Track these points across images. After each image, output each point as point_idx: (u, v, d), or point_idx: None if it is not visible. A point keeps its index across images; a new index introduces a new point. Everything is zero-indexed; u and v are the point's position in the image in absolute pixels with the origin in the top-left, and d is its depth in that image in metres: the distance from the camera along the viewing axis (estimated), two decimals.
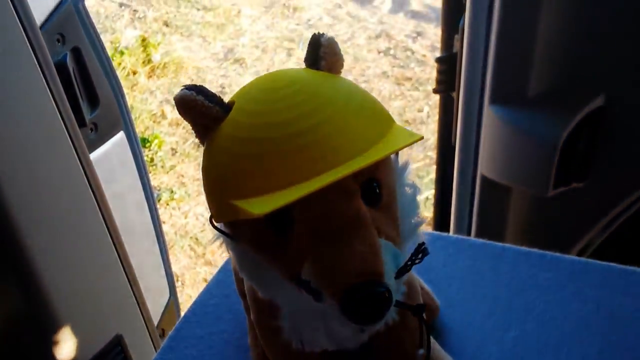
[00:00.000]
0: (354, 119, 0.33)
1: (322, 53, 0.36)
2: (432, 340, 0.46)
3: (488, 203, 0.89)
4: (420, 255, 0.34)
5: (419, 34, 2.91)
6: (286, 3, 3.20)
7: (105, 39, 2.73)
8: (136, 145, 1.06)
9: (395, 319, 0.37)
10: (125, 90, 2.25)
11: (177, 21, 3.05)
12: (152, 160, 2.25)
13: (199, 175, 2.21)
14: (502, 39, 0.77)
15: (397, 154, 0.37)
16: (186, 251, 1.94)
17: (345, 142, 0.32)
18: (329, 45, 0.36)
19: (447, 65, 0.92)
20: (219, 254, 1.91)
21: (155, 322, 1.10)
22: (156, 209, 1.15)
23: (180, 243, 1.96)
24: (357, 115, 0.34)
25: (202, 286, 1.92)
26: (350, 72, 2.68)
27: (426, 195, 1.97)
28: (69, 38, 0.86)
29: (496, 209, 0.90)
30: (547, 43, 0.76)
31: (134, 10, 3.09)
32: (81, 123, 0.87)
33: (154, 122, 2.43)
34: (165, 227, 1.95)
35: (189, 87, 0.35)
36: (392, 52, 2.81)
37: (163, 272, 1.19)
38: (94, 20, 0.94)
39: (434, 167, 2.15)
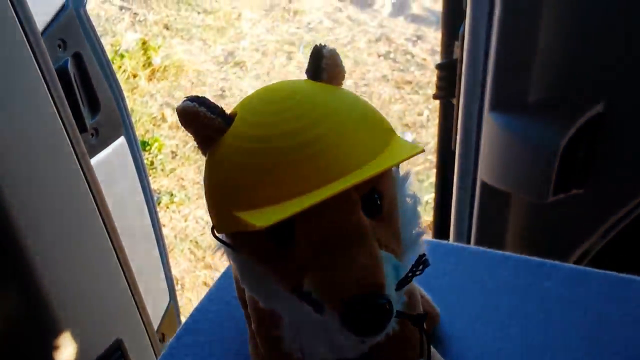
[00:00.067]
0: (356, 131, 0.33)
1: (323, 64, 0.36)
2: (433, 349, 0.46)
3: (488, 209, 0.90)
4: (421, 267, 0.34)
5: (419, 37, 2.91)
6: (286, 6, 3.21)
7: (106, 42, 2.74)
8: (137, 150, 1.06)
9: (396, 329, 0.37)
10: (126, 94, 2.25)
11: (178, 24, 3.05)
12: (152, 163, 2.25)
13: (199, 178, 2.22)
14: (502, 46, 0.78)
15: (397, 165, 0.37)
16: (186, 254, 1.94)
17: (346, 154, 0.32)
18: (330, 56, 0.37)
19: (447, 71, 0.92)
20: (219, 258, 1.91)
21: (155, 327, 1.10)
22: (156, 213, 1.15)
23: (180, 246, 1.96)
24: (358, 127, 0.34)
25: (202, 290, 1.92)
26: (350, 76, 2.68)
27: (426, 199, 1.97)
28: (70, 43, 0.86)
29: (496, 215, 0.90)
30: (547, 50, 0.76)
31: (135, 13, 3.09)
32: (82, 128, 0.87)
33: (154, 125, 2.44)
34: (165, 231, 1.95)
35: (191, 99, 0.35)
36: (392, 55, 2.82)
37: (163, 276, 1.19)
38: (95, 23, 0.94)
39: (434, 170, 2.15)
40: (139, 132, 2.37)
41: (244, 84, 2.67)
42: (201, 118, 0.35)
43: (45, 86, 0.74)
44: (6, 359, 0.82)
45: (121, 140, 0.99)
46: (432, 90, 2.57)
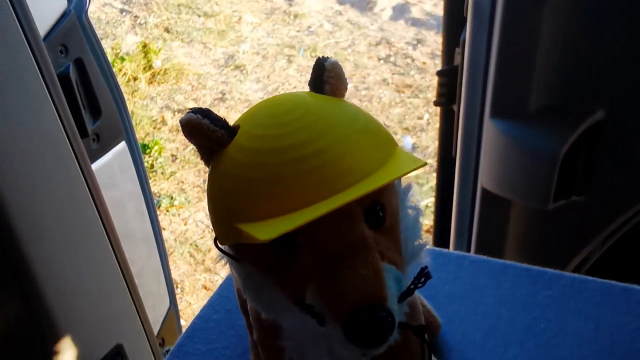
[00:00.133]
0: (358, 144, 0.34)
1: (326, 77, 0.37)
2: (434, 359, 0.46)
3: (488, 215, 0.90)
4: (422, 279, 0.34)
5: (419, 41, 2.92)
6: (287, 10, 3.21)
7: (106, 45, 2.74)
8: (137, 154, 1.06)
9: (398, 340, 0.37)
10: (126, 96, 2.26)
11: (178, 27, 3.06)
12: (152, 166, 2.25)
13: (199, 181, 2.22)
14: (503, 53, 0.78)
15: None
16: (186, 258, 1.94)
17: (349, 167, 0.32)
18: (333, 69, 0.37)
19: (448, 78, 0.92)
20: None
21: (155, 331, 1.10)
22: (157, 217, 1.15)
23: (179, 250, 1.96)
24: (361, 139, 0.34)
25: (201, 293, 1.92)
26: (350, 79, 2.68)
27: (426, 203, 1.98)
28: (72, 49, 0.86)
29: (496, 221, 0.90)
30: (548, 57, 0.76)
31: (135, 16, 3.10)
32: (83, 133, 0.87)
33: (154, 128, 2.44)
34: (164, 234, 1.95)
35: (195, 111, 0.35)
36: (392, 59, 2.82)
37: (163, 280, 1.19)
38: (95, 26, 0.94)
39: (434, 174, 2.15)
40: (139, 135, 2.37)
41: (244, 87, 2.67)
42: (204, 130, 0.35)
43: (47, 92, 0.75)
44: None
45: (122, 145, 1.00)
46: (432, 93, 2.58)
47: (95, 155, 0.92)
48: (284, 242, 0.33)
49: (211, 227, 0.38)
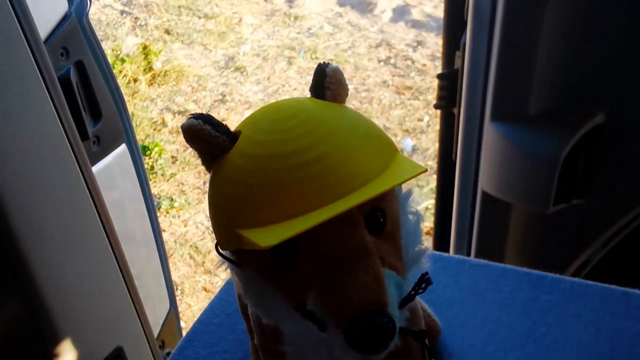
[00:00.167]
0: (359, 150, 0.34)
1: (327, 83, 0.37)
2: None
3: (488, 218, 0.90)
4: (423, 285, 0.35)
5: (419, 43, 2.92)
6: (287, 12, 3.21)
7: (107, 46, 2.74)
8: (138, 157, 1.06)
9: (398, 345, 0.37)
10: (126, 98, 2.26)
11: (179, 29, 3.06)
12: (152, 168, 2.25)
13: (199, 183, 2.22)
14: (503, 57, 0.78)
15: None
16: (186, 260, 1.94)
17: (350, 173, 0.32)
18: (334, 75, 0.37)
19: (449, 81, 0.92)
20: (217, 257, 1.91)
21: (156, 334, 1.10)
22: (157, 220, 1.15)
23: (179, 251, 1.96)
24: (362, 145, 0.34)
25: (201, 295, 1.92)
26: (350, 81, 2.68)
27: (426, 205, 1.98)
28: (72, 52, 0.86)
29: (496, 224, 0.90)
30: (548, 61, 0.76)
31: (136, 18, 3.10)
32: (84, 136, 0.87)
33: (154, 130, 2.44)
34: (164, 236, 1.95)
35: (196, 116, 0.35)
36: (392, 61, 2.82)
37: (163, 282, 1.19)
38: (96, 28, 0.94)
39: (434, 176, 2.15)
40: (139, 136, 2.37)
41: (245, 88, 2.68)
42: (206, 136, 0.35)
43: (47, 94, 0.75)
44: None
45: (122, 147, 1.00)
46: (432, 95, 2.58)
47: (95, 158, 0.93)
48: (285, 248, 0.33)
49: (211, 229, 0.38)
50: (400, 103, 2.56)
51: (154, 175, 2.23)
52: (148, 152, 2.27)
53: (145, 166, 1.83)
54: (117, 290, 0.91)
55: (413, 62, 2.81)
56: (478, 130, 0.85)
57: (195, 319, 0.55)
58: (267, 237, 0.31)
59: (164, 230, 1.99)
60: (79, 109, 0.86)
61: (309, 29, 3.08)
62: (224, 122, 0.36)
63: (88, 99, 0.90)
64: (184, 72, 2.74)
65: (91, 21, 0.93)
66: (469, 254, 0.96)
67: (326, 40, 2.97)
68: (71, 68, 0.85)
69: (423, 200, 1.99)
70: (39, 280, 0.74)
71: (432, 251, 0.60)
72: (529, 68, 0.77)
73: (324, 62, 0.37)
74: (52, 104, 0.75)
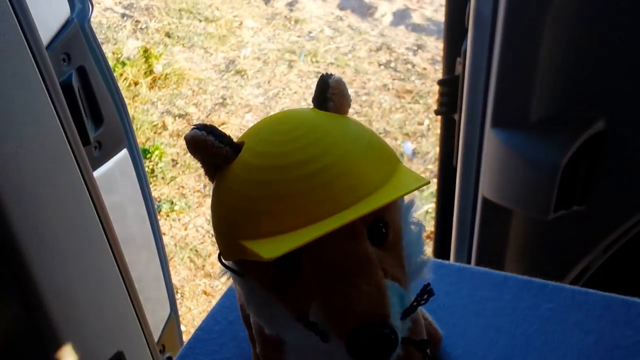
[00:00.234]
0: (362, 161, 0.34)
1: (329, 94, 0.37)
2: None
3: (489, 224, 0.90)
4: (425, 296, 0.35)
5: (419, 47, 2.93)
6: (288, 15, 3.22)
7: (107, 50, 2.75)
8: (139, 161, 1.06)
9: (400, 354, 0.37)
10: (127, 101, 2.26)
11: (179, 32, 3.06)
12: (152, 171, 2.25)
13: (200, 186, 2.22)
14: (504, 63, 0.78)
15: None
16: (186, 263, 1.94)
17: (353, 185, 0.33)
18: (336, 86, 0.37)
19: (449, 87, 0.93)
20: (219, 267, 1.91)
21: (156, 338, 1.10)
22: (157, 224, 1.15)
23: (180, 255, 1.96)
24: (364, 157, 0.34)
25: (201, 298, 1.91)
26: (351, 85, 2.69)
27: (426, 209, 1.98)
28: (74, 57, 0.86)
29: (497, 230, 0.90)
30: (549, 68, 0.76)
31: (136, 21, 3.11)
32: (85, 141, 0.87)
33: (154, 133, 2.44)
34: (165, 239, 1.95)
35: (200, 127, 0.35)
36: (392, 64, 2.83)
37: (163, 286, 1.19)
38: (97, 31, 0.95)
39: (434, 180, 2.15)
40: (140, 139, 2.37)
41: (245, 92, 2.68)
42: (209, 147, 0.35)
43: (49, 99, 0.75)
44: None
45: (124, 152, 1.00)
46: (432, 99, 2.58)
47: (97, 163, 0.93)
48: (288, 260, 0.33)
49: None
50: (401, 107, 2.57)
51: (155, 178, 2.23)
52: (148, 155, 2.27)
53: (146, 169, 1.83)
54: (118, 295, 0.91)
55: (413, 65, 2.81)
56: (479, 136, 0.86)
57: (195, 322, 0.55)
58: (270, 248, 0.31)
59: (164, 234, 1.99)
60: (80, 114, 0.86)
61: (310, 32, 3.08)
62: (225, 131, 0.36)
63: (90, 104, 0.90)
64: (184, 75, 2.75)
65: (92, 24, 0.93)
66: (469, 259, 0.96)
67: (327, 44, 2.98)
68: (73, 73, 0.86)
69: (423, 204, 1.99)
70: (40, 285, 0.75)
71: (433, 259, 0.60)
72: (529, 75, 0.77)
73: (326, 73, 0.37)
74: (54, 109, 0.75)
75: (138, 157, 1.06)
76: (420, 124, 2.48)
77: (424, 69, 2.79)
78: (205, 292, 1.85)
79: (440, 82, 0.95)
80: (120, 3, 3.26)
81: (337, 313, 0.32)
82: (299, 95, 2.65)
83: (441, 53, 0.98)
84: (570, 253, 0.88)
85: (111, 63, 2.60)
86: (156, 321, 1.14)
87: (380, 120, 2.48)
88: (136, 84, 2.64)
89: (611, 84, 0.76)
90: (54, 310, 0.77)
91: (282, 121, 0.36)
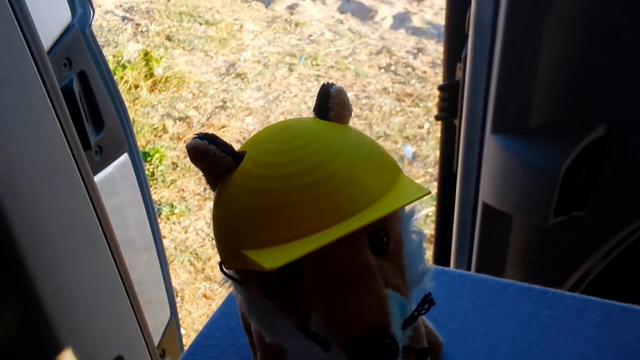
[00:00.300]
0: (363, 171, 0.34)
1: (331, 104, 0.37)
2: None
3: (489, 229, 0.90)
4: (426, 306, 0.35)
5: (419, 50, 2.93)
6: (288, 18, 3.22)
7: (108, 53, 2.75)
8: (139, 165, 1.06)
9: None
10: (127, 104, 2.26)
11: (180, 35, 3.07)
12: (152, 174, 2.25)
13: (200, 189, 2.22)
14: (504, 69, 0.78)
15: None
16: (186, 266, 1.94)
17: (354, 195, 0.33)
18: (338, 95, 0.37)
19: (450, 92, 0.93)
20: (220, 274, 1.91)
21: (156, 342, 1.10)
22: (158, 228, 1.15)
23: (180, 258, 1.96)
24: (365, 167, 0.34)
25: (201, 302, 1.91)
26: (351, 88, 2.69)
27: (427, 212, 1.98)
28: (75, 62, 0.87)
29: (497, 235, 0.90)
30: (549, 74, 0.76)
31: (137, 24, 3.11)
32: (86, 146, 0.87)
33: (155, 136, 2.44)
34: (165, 242, 1.95)
35: (201, 136, 0.35)
36: (393, 68, 2.83)
37: (163, 289, 1.19)
38: (97, 34, 0.95)
39: (434, 184, 2.15)
40: (140, 142, 2.38)
41: (245, 95, 2.68)
42: (211, 156, 0.35)
43: (50, 104, 0.75)
44: None
45: (124, 157, 1.00)
46: (432, 102, 2.59)
47: (97, 168, 0.93)
48: (289, 269, 0.33)
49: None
50: (401, 110, 2.57)
51: (155, 181, 2.23)
52: (149, 159, 2.28)
53: (146, 172, 1.83)
54: (118, 299, 0.91)
55: (413, 69, 2.81)
56: (479, 141, 0.86)
57: (195, 325, 0.55)
58: (271, 258, 0.31)
59: (164, 237, 1.99)
60: (81, 119, 0.87)
61: (310, 35, 3.09)
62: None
63: (90, 109, 0.90)
64: (184, 78, 2.75)
65: (93, 27, 0.93)
66: (469, 264, 0.96)
67: (327, 47, 2.98)
68: (74, 78, 0.86)
69: (423, 207, 1.99)
70: (40, 289, 0.75)
71: (434, 266, 0.60)
72: (529, 80, 0.78)
73: (327, 83, 0.38)
74: (54, 114, 0.75)
75: (138, 161, 1.06)
76: (421, 127, 2.48)
77: (424, 72, 2.79)
78: (205, 296, 1.85)
79: (440, 88, 0.95)
80: (121, 6, 3.26)
81: (339, 323, 0.32)
82: (299, 99, 2.65)
83: (441, 56, 0.99)
84: (570, 258, 0.88)
85: (112, 66, 2.60)
86: (156, 325, 1.14)
87: (381, 123, 2.48)
88: (137, 87, 2.64)
89: (612, 90, 0.76)
90: (53, 314, 0.77)
91: (284, 130, 0.36)
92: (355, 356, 0.32)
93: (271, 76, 2.80)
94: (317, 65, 2.85)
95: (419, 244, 0.38)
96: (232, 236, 0.35)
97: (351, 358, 0.32)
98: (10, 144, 0.68)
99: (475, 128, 0.85)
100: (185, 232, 2.04)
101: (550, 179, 0.78)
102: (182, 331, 1.66)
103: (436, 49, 2.90)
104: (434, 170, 2.23)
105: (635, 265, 0.89)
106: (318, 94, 0.38)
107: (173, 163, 2.32)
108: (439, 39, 2.95)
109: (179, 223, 2.08)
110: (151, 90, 2.67)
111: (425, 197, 0.34)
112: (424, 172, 2.26)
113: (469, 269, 0.96)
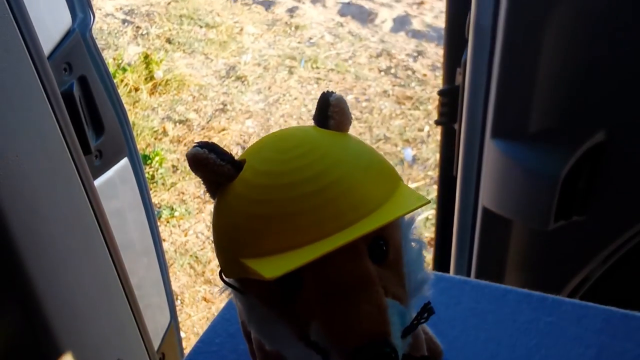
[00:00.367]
0: (362, 180, 0.34)
1: (330, 112, 0.37)
2: None
3: (489, 234, 0.90)
4: (426, 315, 0.35)
5: (419, 53, 2.93)
6: (288, 21, 3.23)
7: (108, 56, 2.75)
8: (139, 168, 1.07)
9: None
10: (127, 107, 2.26)
11: (180, 38, 3.07)
12: (152, 177, 2.25)
13: (200, 192, 2.22)
14: (504, 74, 0.78)
15: None
16: (186, 269, 1.94)
17: (354, 204, 0.33)
18: (337, 104, 0.37)
19: (450, 97, 0.93)
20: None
21: (156, 346, 1.10)
22: (157, 230, 1.15)
23: (180, 261, 1.96)
24: (365, 175, 0.34)
25: (201, 305, 1.91)
26: (351, 91, 2.69)
27: (426, 216, 1.98)
28: (75, 67, 0.87)
29: (497, 240, 0.90)
30: (549, 79, 0.77)
31: (137, 27, 3.11)
32: (86, 150, 0.87)
33: (155, 139, 2.44)
34: (164, 245, 1.95)
35: (201, 145, 0.36)
36: (393, 71, 2.83)
37: (163, 293, 1.19)
38: (97, 37, 0.95)
39: (434, 187, 2.15)
40: (140, 145, 2.38)
41: (245, 98, 2.68)
42: (211, 165, 0.35)
43: (50, 109, 0.75)
44: None
45: (124, 161, 1.00)
46: (432, 105, 2.59)
47: (97, 172, 0.93)
48: (288, 278, 0.33)
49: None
50: (401, 113, 2.57)
51: (155, 184, 2.23)
52: (149, 162, 2.28)
53: (146, 175, 1.83)
54: (118, 302, 0.91)
55: (413, 72, 2.82)
56: (479, 146, 0.86)
57: (195, 329, 0.55)
58: (271, 267, 0.31)
59: (164, 240, 1.99)
60: (81, 124, 0.87)
61: (310, 38, 3.09)
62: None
63: (91, 113, 0.90)
64: (185, 81, 2.75)
65: (93, 30, 0.94)
66: (469, 268, 0.96)
67: (327, 50, 2.98)
68: (74, 83, 0.86)
69: (423, 210, 1.99)
70: (39, 293, 0.75)
71: (434, 273, 0.60)
72: (529, 86, 0.78)
73: (327, 91, 0.38)
74: (55, 119, 0.76)
75: (138, 164, 1.06)
76: (421, 130, 2.48)
77: (424, 75, 2.79)
78: (205, 299, 1.85)
79: (440, 93, 0.95)
80: (121, 9, 3.27)
81: (338, 332, 0.32)
82: (299, 102, 2.65)
83: (441, 59, 0.99)
84: (569, 263, 0.88)
85: (112, 69, 2.61)
86: (156, 328, 1.14)
87: (381, 126, 2.48)
88: (137, 89, 2.64)
89: (611, 95, 0.76)
90: (53, 318, 0.77)
91: (284, 139, 0.36)
92: None
93: (271, 79, 2.81)
94: (317, 68, 2.85)
95: (418, 252, 0.38)
96: (232, 245, 0.35)
97: None
98: (10, 149, 0.68)
99: (475, 133, 0.86)
100: (185, 235, 2.04)
101: (550, 184, 0.78)
102: (182, 334, 1.66)
103: (436, 52, 2.90)
104: (434, 173, 2.23)
105: (635, 270, 0.89)
106: (318, 103, 0.38)
107: (173, 166, 2.32)
108: (438, 42, 2.95)
109: (179, 226, 2.08)
110: (151, 93, 2.67)
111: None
112: (424, 175, 2.26)
113: (468, 272, 0.97)
